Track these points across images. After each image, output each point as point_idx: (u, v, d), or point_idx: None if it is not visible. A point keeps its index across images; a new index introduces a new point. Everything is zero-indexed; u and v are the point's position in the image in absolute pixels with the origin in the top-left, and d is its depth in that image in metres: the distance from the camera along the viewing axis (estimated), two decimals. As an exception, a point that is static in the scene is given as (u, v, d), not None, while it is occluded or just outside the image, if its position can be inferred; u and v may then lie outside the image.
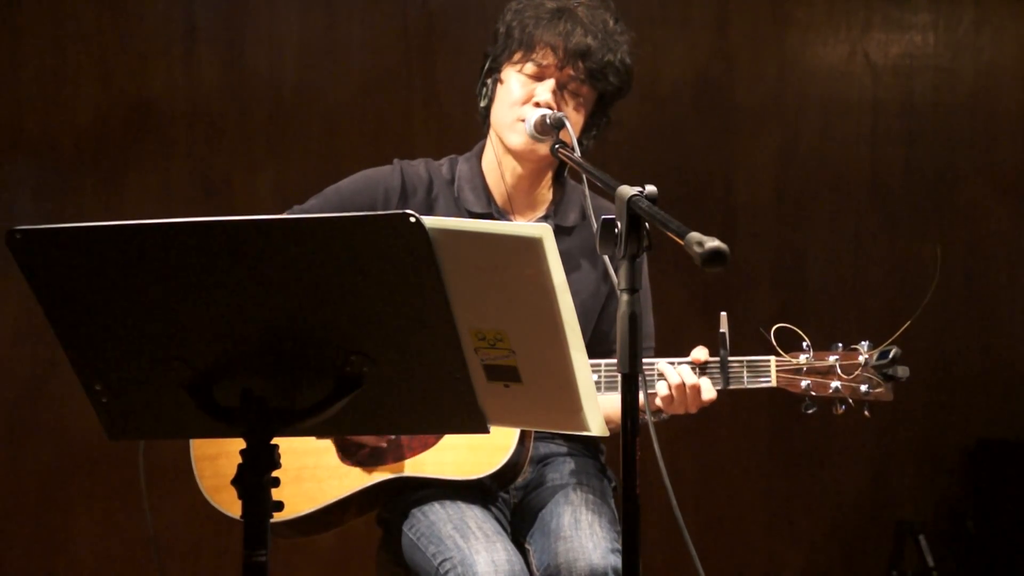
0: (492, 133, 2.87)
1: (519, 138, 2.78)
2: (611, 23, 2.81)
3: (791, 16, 5.14)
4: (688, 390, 2.61)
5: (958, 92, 5.22)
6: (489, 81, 2.85)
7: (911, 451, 5.13)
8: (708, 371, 2.65)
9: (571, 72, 2.76)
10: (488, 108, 2.85)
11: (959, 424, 5.13)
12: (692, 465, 4.93)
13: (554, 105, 2.75)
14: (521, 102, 2.77)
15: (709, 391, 2.62)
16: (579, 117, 2.80)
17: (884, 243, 5.14)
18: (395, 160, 2.92)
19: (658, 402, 2.62)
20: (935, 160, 5.19)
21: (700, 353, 2.65)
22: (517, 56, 2.78)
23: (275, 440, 1.93)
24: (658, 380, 2.63)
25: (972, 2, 5.25)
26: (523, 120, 2.76)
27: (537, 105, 2.75)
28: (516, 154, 2.83)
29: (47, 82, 4.64)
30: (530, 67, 2.78)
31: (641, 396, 2.01)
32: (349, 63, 4.81)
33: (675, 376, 2.61)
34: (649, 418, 2.31)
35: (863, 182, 5.15)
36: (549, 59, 2.76)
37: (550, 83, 2.76)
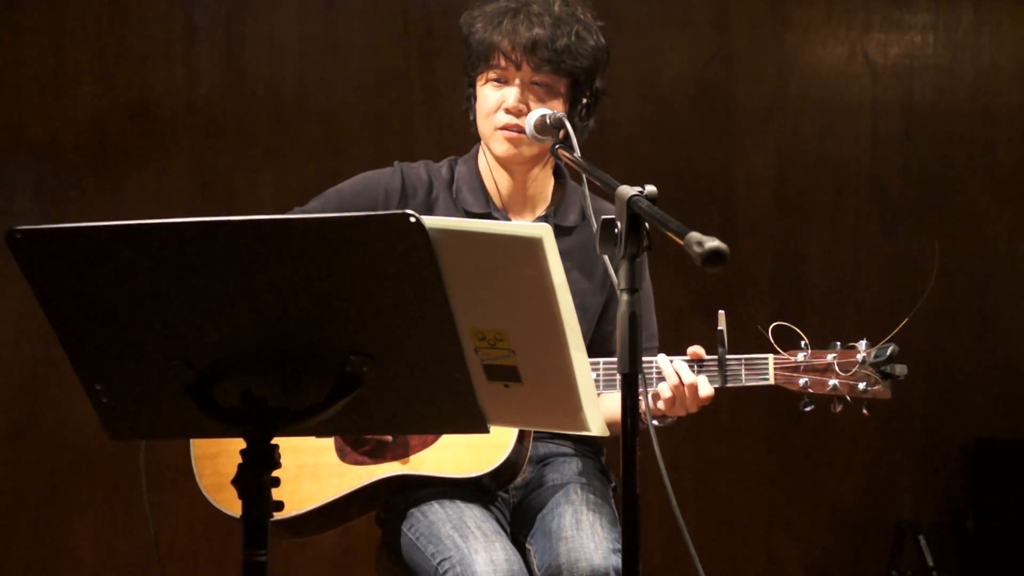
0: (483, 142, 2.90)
1: (502, 147, 2.81)
2: (557, 6, 2.80)
3: (791, 16, 5.14)
4: (687, 389, 2.61)
5: (958, 92, 5.21)
6: (470, 95, 2.88)
7: (911, 451, 5.13)
8: (706, 369, 2.64)
9: (530, 68, 2.77)
10: (476, 120, 2.88)
11: (959, 423, 5.13)
12: (692, 465, 4.93)
13: (524, 108, 2.76)
14: (494, 111, 2.80)
15: (706, 387, 2.61)
16: (558, 105, 2.80)
17: (884, 243, 5.14)
18: (395, 162, 2.94)
19: (660, 405, 2.62)
20: (935, 160, 5.19)
21: (696, 349, 2.65)
22: (479, 67, 2.81)
23: (274, 439, 1.93)
24: (657, 383, 2.62)
25: (972, 2, 5.25)
26: (501, 128, 2.78)
27: (508, 111, 2.77)
28: (503, 161, 2.85)
29: (47, 82, 4.64)
30: (493, 74, 2.79)
31: (643, 402, 2.01)
32: (349, 63, 4.82)
33: (673, 376, 2.61)
34: (650, 422, 2.31)
35: (863, 182, 5.15)
36: (504, 62, 2.77)
37: (515, 87, 2.78)
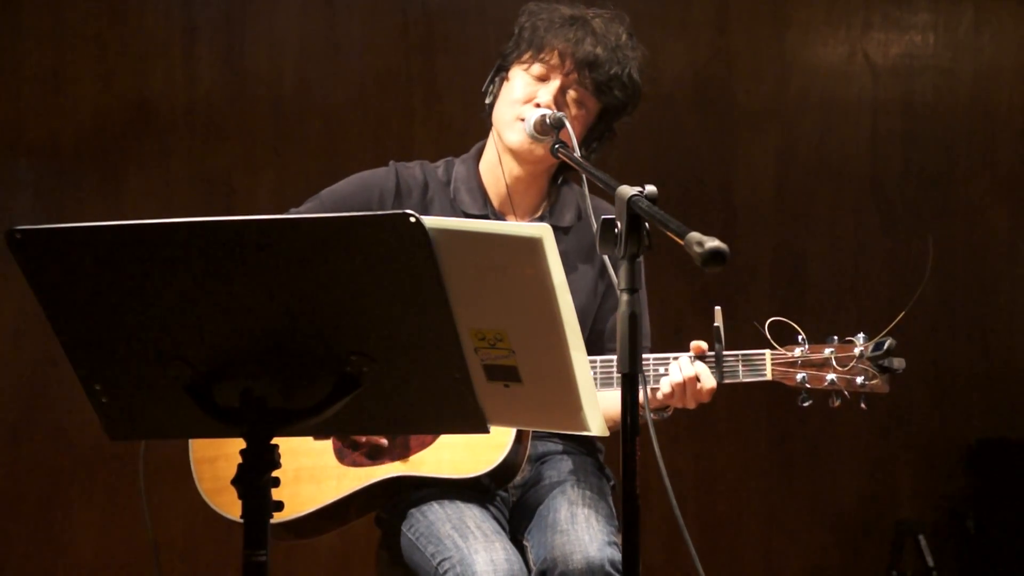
0: (493, 131, 2.89)
1: (516, 137, 2.79)
2: (623, 37, 2.84)
3: (791, 16, 5.14)
4: (687, 383, 2.61)
5: (958, 92, 5.22)
6: (496, 79, 2.87)
7: (911, 451, 5.13)
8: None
9: (576, 80, 2.79)
10: (493, 105, 2.87)
11: (959, 423, 5.13)
12: (692, 465, 4.93)
13: (554, 107, 2.76)
14: (522, 101, 2.79)
15: (709, 380, 2.62)
16: (579, 125, 2.81)
17: (883, 243, 5.14)
18: (391, 162, 2.93)
19: (660, 395, 2.62)
20: (935, 160, 5.19)
21: (698, 343, 2.66)
22: (526, 56, 2.81)
23: (274, 439, 1.93)
24: (662, 376, 2.63)
25: (972, 2, 5.25)
26: (522, 119, 2.77)
27: (537, 106, 2.76)
28: (514, 153, 2.84)
29: (47, 82, 4.64)
30: (537, 68, 2.80)
31: (641, 396, 2.01)
32: (349, 63, 4.82)
33: (676, 372, 2.62)
34: (648, 416, 2.31)
35: (863, 182, 5.16)
36: (556, 63, 2.78)
37: (553, 86, 2.79)
